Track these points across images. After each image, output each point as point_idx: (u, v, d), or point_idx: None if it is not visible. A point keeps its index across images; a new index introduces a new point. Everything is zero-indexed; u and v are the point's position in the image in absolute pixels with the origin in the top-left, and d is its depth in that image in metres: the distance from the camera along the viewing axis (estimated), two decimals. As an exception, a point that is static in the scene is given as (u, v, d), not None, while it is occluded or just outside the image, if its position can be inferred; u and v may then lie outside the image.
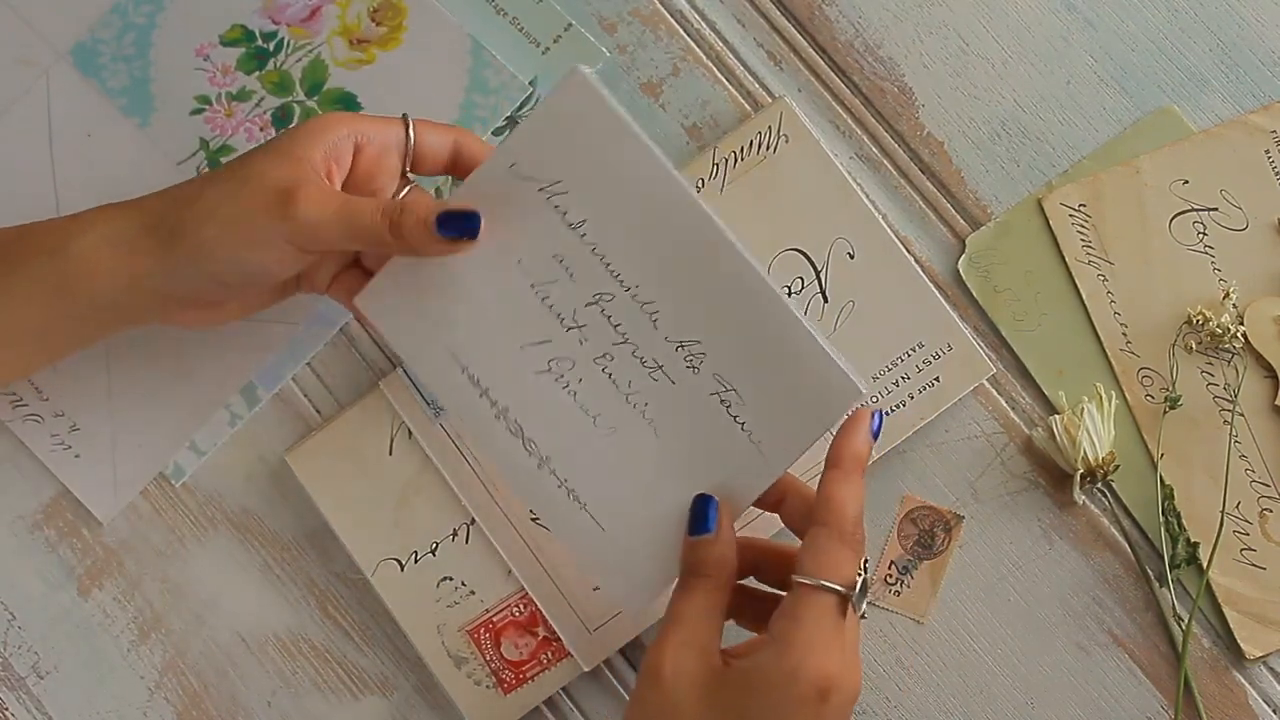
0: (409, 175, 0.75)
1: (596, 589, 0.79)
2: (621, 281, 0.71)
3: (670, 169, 0.70)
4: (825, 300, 0.80)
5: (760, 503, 0.72)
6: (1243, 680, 0.79)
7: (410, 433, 0.80)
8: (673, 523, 0.72)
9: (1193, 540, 0.79)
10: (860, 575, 0.67)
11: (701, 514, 0.71)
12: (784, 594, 0.69)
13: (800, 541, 0.70)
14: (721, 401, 0.71)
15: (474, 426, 0.75)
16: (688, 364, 0.71)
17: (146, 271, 0.72)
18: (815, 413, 0.70)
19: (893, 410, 0.79)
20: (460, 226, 0.71)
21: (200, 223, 0.71)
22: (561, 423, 0.74)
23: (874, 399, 0.80)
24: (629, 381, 0.72)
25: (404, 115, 0.75)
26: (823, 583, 0.66)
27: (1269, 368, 0.79)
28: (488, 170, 0.72)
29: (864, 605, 0.68)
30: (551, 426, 0.74)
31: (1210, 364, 0.80)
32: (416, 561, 0.80)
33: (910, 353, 0.80)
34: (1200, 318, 0.79)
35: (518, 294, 0.73)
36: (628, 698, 0.79)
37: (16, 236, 0.74)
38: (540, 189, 0.71)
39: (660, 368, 0.72)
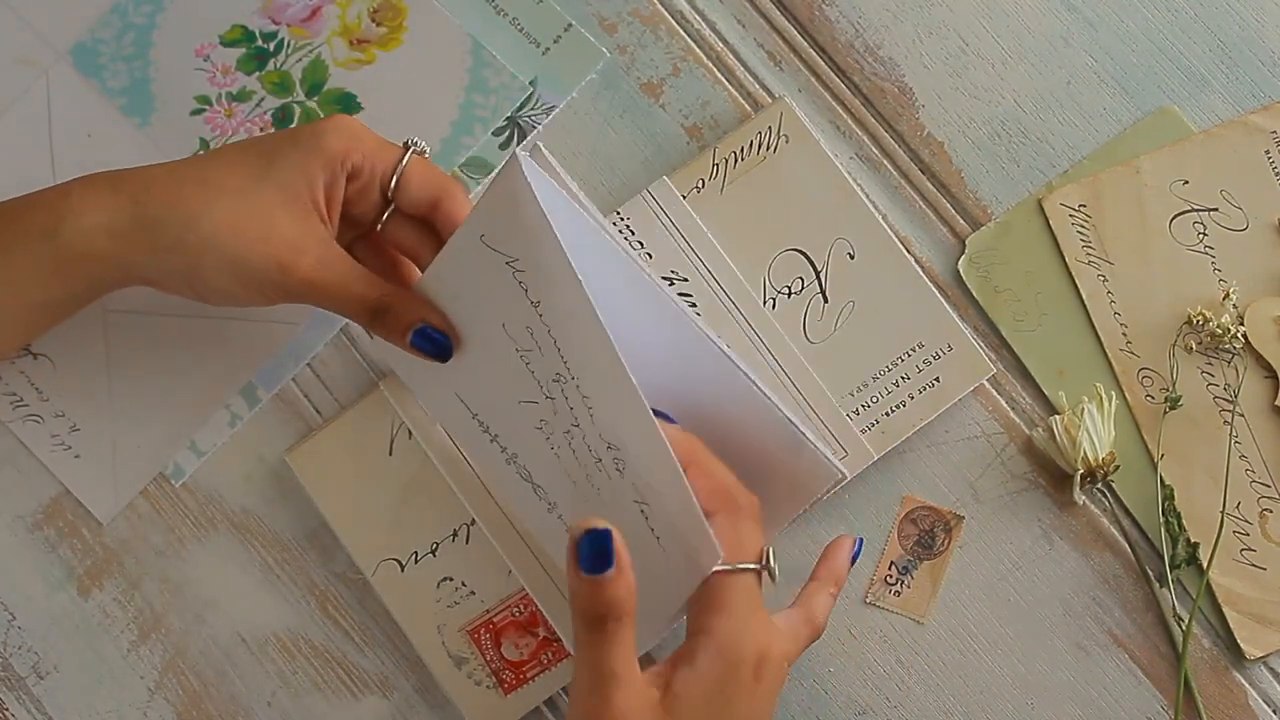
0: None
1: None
2: (569, 368, 0.69)
3: (576, 280, 0.65)
4: (825, 300, 0.80)
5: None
6: (1243, 680, 0.79)
7: (410, 433, 0.80)
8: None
9: (1193, 540, 0.79)
10: (765, 546, 0.68)
11: (601, 550, 0.62)
12: None
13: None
14: (641, 511, 0.68)
15: (489, 468, 0.77)
16: (615, 465, 0.68)
17: (140, 264, 0.73)
18: (684, 569, 0.67)
19: (893, 410, 0.79)
20: (432, 347, 0.73)
21: (198, 252, 0.72)
22: (556, 477, 0.74)
23: (874, 399, 0.80)
24: (585, 464, 0.71)
25: (406, 143, 0.75)
26: (740, 566, 0.67)
27: (1269, 368, 0.79)
28: (463, 236, 0.71)
29: (777, 570, 0.68)
30: (550, 479, 0.74)
31: (1210, 364, 0.80)
32: (416, 561, 0.80)
33: (910, 353, 0.80)
34: (1200, 318, 0.79)
35: (507, 355, 0.72)
36: None
37: (6, 214, 0.74)
38: (506, 263, 0.69)
39: (599, 461, 0.70)
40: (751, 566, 0.67)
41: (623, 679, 0.64)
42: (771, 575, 0.68)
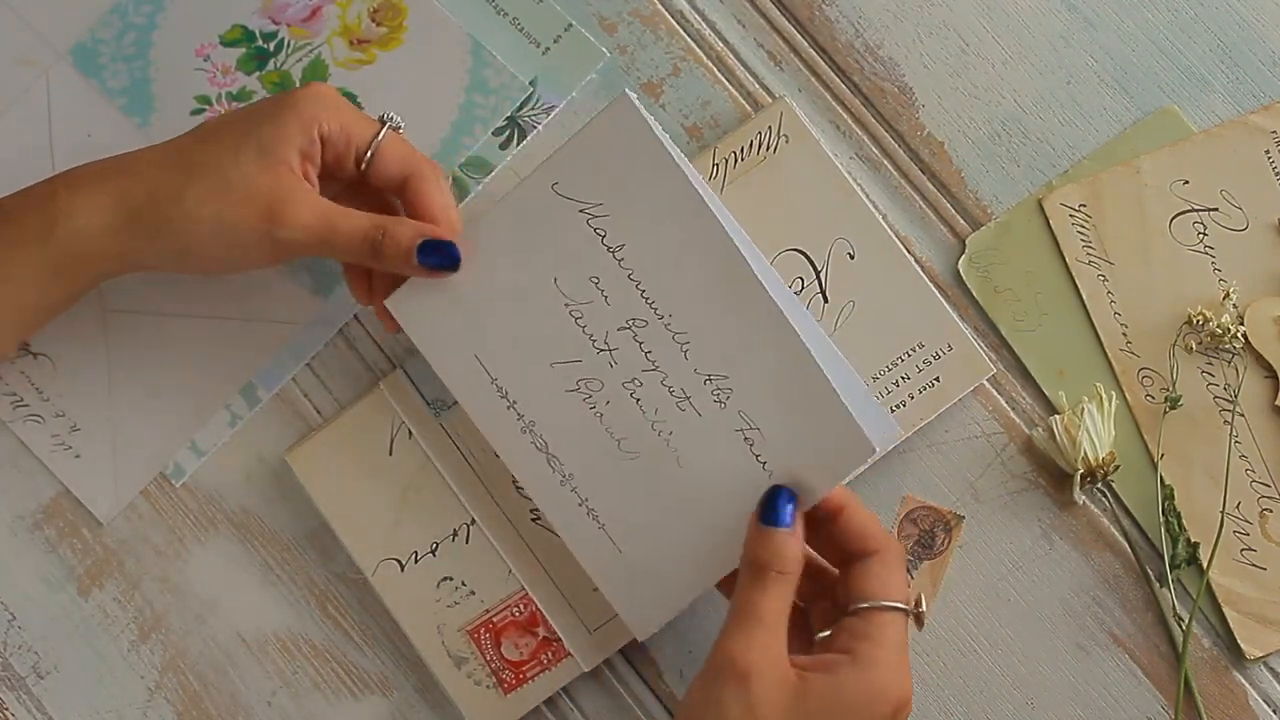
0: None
1: (597, 589, 0.79)
2: (655, 309, 0.71)
3: (707, 204, 0.69)
4: (825, 300, 0.80)
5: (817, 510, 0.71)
6: (1243, 680, 0.79)
7: (410, 433, 0.80)
8: (689, 551, 0.72)
9: (1193, 540, 0.79)
10: (916, 594, 0.70)
11: (777, 504, 0.69)
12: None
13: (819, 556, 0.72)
14: (745, 439, 0.70)
15: (499, 437, 0.76)
16: (715, 398, 0.71)
17: (134, 254, 0.74)
18: (829, 464, 0.69)
19: (893, 410, 0.79)
20: (441, 258, 0.73)
21: (185, 225, 0.73)
22: (586, 443, 0.74)
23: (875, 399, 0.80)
24: (655, 409, 0.73)
25: (382, 118, 0.76)
26: (893, 604, 0.68)
27: (1269, 368, 0.79)
28: (530, 187, 0.72)
29: (927, 616, 0.71)
30: (576, 445, 0.75)
31: (1210, 364, 0.80)
32: (416, 561, 0.80)
33: (910, 353, 0.80)
34: (1200, 318, 0.79)
35: (551, 312, 0.73)
36: (627, 696, 0.79)
37: None
38: (581, 210, 0.71)
39: (688, 398, 0.72)
40: (902, 606, 0.68)
41: (769, 625, 0.67)
42: (919, 621, 0.70)
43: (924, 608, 0.70)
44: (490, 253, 0.74)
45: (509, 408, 0.75)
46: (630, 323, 0.72)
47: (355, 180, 0.76)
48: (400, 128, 0.76)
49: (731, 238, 0.70)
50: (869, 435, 0.69)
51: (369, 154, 0.75)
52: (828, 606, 0.72)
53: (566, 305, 0.73)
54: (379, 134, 0.75)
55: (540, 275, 0.73)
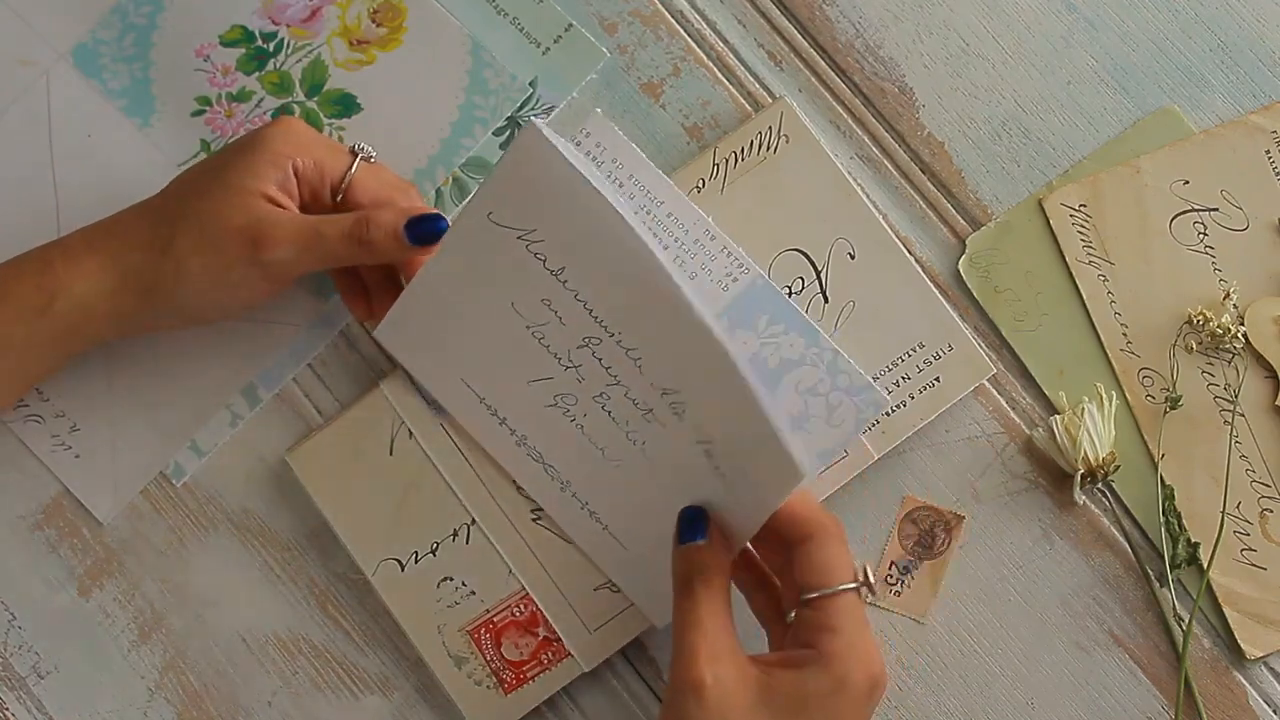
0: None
1: (597, 589, 0.79)
2: (605, 327, 0.71)
3: (629, 224, 0.67)
4: (825, 300, 0.80)
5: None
6: (1243, 680, 0.79)
7: (410, 433, 0.80)
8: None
9: (1193, 540, 0.79)
10: (859, 564, 0.69)
11: (692, 523, 0.70)
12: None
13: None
14: (705, 451, 0.70)
15: (499, 450, 0.78)
16: (673, 410, 0.70)
17: (131, 315, 0.75)
18: (766, 487, 0.68)
19: (893, 410, 0.79)
20: (430, 230, 0.73)
21: (176, 280, 0.74)
22: (574, 452, 0.75)
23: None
24: (626, 420, 0.73)
25: (353, 149, 0.77)
26: (841, 587, 0.68)
27: (1269, 368, 0.79)
28: (467, 218, 0.71)
29: (875, 584, 0.70)
30: (566, 454, 0.76)
31: (1211, 364, 0.80)
32: (417, 561, 0.80)
33: (910, 353, 0.80)
34: (1201, 318, 0.79)
35: (516, 333, 0.73)
36: (627, 696, 0.79)
37: None
38: (519, 237, 0.70)
39: (650, 410, 0.72)
40: (850, 586, 0.68)
41: (709, 631, 0.67)
42: (871, 590, 0.69)
43: (871, 577, 0.69)
44: (449, 283, 0.74)
45: (501, 424, 0.77)
46: (586, 340, 0.72)
47: (331, 210, 0.77)
48: (372, 157, 0.77)
49: (656, 255, 0.66)
50: (798, 460, 0.65)
51: (343, 186, 0.76)
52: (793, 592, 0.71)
53: (528, 327, 0.73)
54: (352, 165, 0.76)
55: (498, 300, 0.73)
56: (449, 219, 0.74)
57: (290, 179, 0.75)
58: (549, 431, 0.75)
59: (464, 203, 0.73)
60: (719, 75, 0.83)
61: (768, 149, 0.81)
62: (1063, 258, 0.81)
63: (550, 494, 0.78)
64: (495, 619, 0.80)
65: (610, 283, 0.70)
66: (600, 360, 0.72)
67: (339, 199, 0.76)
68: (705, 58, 0.84)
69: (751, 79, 0.83)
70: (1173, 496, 0.79)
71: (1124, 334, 0.80)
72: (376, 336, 0.77)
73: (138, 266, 0.74)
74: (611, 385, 0.72)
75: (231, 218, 0.73)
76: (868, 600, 0.71)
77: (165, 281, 0.74)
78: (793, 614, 0.70)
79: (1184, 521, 0.79)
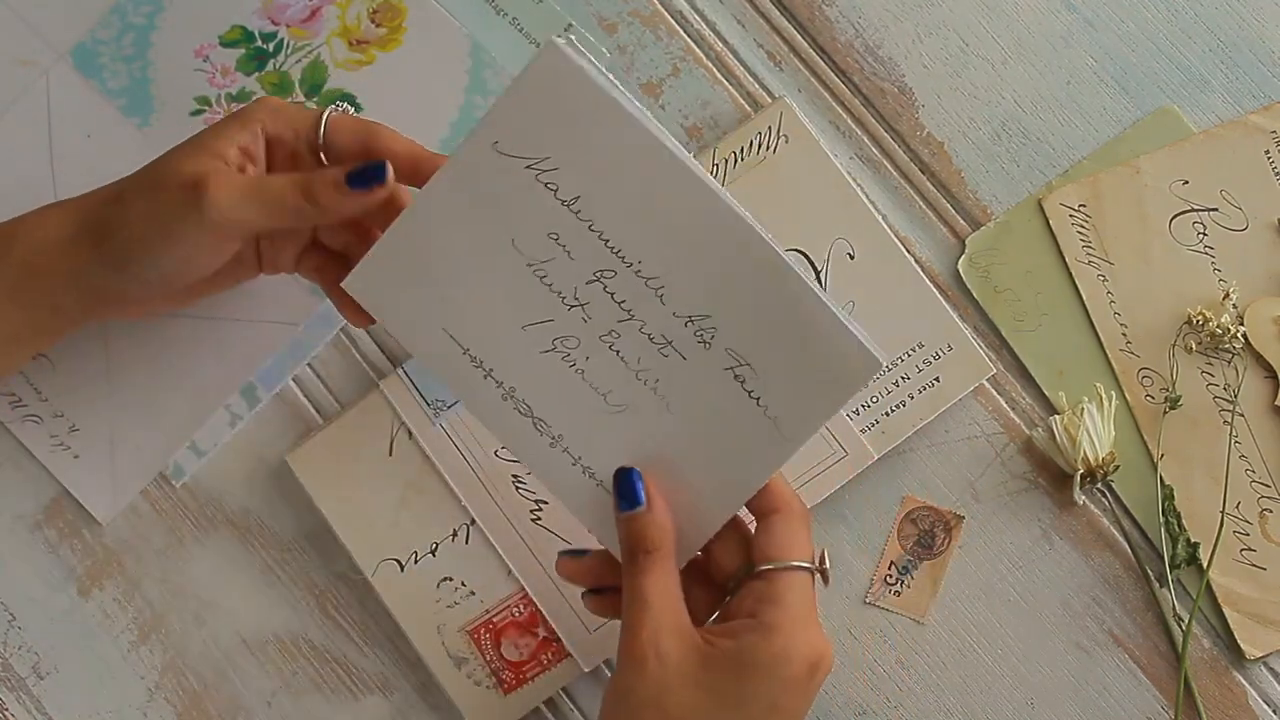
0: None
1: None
2: (623, 258, 0.69)
3: (663, 139, 0.66)
4: (825, 300, 0.80)
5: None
6: (1243, 680, 0.79)
7: (410, 433, 0.80)
8: (690, 497, 0.70)
9: (1193, 540, 0.79)
10: (818, 549, 0.70)
11: (628, 487, 0.70)
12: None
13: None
14: (736, 377, 0.68)
15: (480, 408, 0.73)
16: (698, 339, 0.69)
17: (82, 268, 0.73)
18: (832, 386, 0.67)
19: (893, 410, 0.79)
20: (369, 176, 0.71)
21: (121, 221, 0.72)
22: (571, 401, 0.71)
23: (874, 399, 0.80)
24: (638, 358, 0.70)
25: (325, 107, 0.75)
26: (796, 564, 0.68)
27: (1269, 368, 0.79)
28: (469, 149, 0.69)
29: (830, 573, 0.71)
30: (561, 405, 0.72)
31: (1210, 364, 0.80)
32: (416, 561, 0.80)
33: (910, 353, 0.80)
34: (1200, 318, 0.79)
35: (514, 274, 0.70)
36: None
37: None
38: (528, 166, 0.68)
39: (670, 344, 0.69)
40: (805, 565, 0.69)
41: (655, 604, 0.67)
42: (825, 577, 0.70)
43: (828, 565, 0.69)
44: (441, 221, 0.71)
45: (485, 377, 0.72)
46: (598, 275, 0.69)
47: (318, 169, 0.74)
48: (346, 110, 0.75)
49: (696, 172, 0.66)
50: (874, 350, 0.67)
51: (321, 133, 0.73)
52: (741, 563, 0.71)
53: (529, 265, 0.70)
54: (324, 116, 0.73)
55: (496, 238, 0.70)
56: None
57: (258, 140, 0.73)
58: (543, 380, 0.72)
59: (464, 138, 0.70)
60: (718, 75, 0.83)
61: (767, 149, 0.81)
62: (1062, 258, 0.81)
63: (537, 453, 0.73)
64: (495, 619, 0.80)
65: (637, 207, 0.68)
66: (612, 295, 0.69)
67: (321, 154, 0.74)
68: (705, 58, 0.84)
69: (751, 79, 0.83)
70: (1172, 496, 0.79)
71: (1124, 334, 0.81)
72: (345, 286, 0.73)
73: (94, 213, 0.73)
74: (624, 321, 0.70)
75: (181, 166, 0.72)
76: (821, 589, 0.70)
77: (112, 225, 0.72)
78: (733, 585, 0.70)
79: (1184, 521, 0.79)
